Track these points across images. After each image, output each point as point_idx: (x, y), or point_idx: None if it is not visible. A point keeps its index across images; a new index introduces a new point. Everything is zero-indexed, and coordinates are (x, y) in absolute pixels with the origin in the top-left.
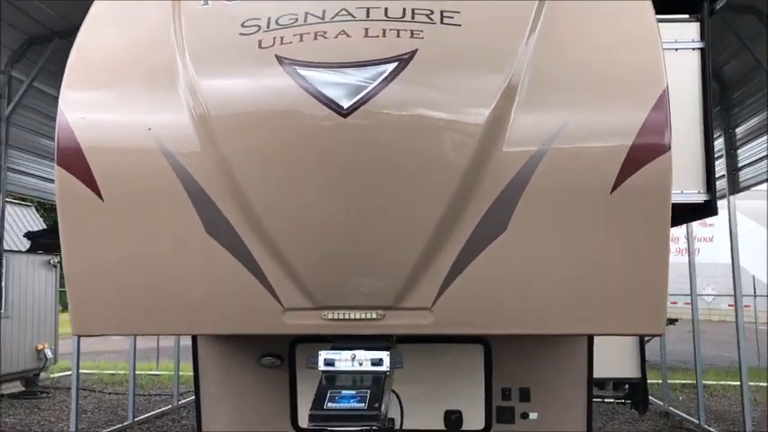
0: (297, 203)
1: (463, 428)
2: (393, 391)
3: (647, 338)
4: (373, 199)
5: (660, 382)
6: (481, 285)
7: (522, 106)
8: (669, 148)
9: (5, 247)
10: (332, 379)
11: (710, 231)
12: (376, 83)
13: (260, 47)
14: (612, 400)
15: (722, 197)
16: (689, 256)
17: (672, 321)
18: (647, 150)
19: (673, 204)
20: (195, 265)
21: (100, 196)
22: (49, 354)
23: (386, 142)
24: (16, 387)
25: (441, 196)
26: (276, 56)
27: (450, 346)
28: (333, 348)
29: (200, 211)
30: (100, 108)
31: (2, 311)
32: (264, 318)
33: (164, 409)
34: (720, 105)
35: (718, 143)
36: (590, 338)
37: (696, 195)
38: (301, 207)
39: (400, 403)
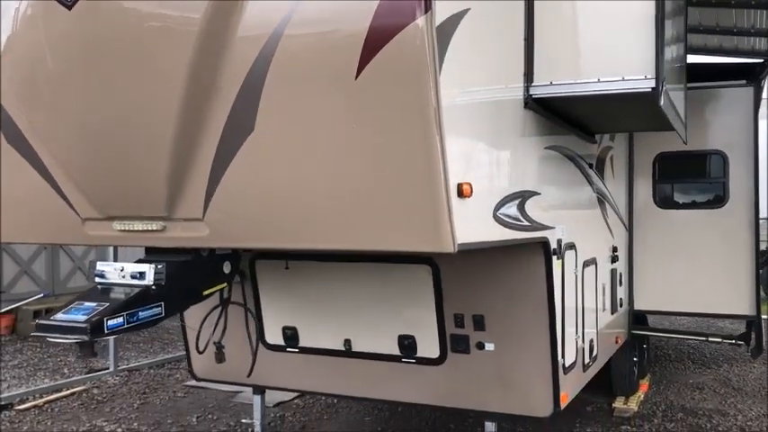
0: (51, 107)
1: (418, 356)
2: (249, 311)
3: None
4: (111, 100)
5: None
6: (244, 193)
7: None
8: (423, 13)
9: None
10: (107, 291)
11: None
12: None
13: None
14: (719, 340)
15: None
16: None
17: None
18: (391, 18)
19: (612, 96)
20: (6, 176)
21: None
22: None
23: (112, 35)
24: None
25: (172, 92)
26: None
27: (396, 267)
28: (141, 261)
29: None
30: None
31: None
32: (68, 228)
33: None
34: None
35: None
36: (547, 262)
37: (641, 82)
38: (55, 110)
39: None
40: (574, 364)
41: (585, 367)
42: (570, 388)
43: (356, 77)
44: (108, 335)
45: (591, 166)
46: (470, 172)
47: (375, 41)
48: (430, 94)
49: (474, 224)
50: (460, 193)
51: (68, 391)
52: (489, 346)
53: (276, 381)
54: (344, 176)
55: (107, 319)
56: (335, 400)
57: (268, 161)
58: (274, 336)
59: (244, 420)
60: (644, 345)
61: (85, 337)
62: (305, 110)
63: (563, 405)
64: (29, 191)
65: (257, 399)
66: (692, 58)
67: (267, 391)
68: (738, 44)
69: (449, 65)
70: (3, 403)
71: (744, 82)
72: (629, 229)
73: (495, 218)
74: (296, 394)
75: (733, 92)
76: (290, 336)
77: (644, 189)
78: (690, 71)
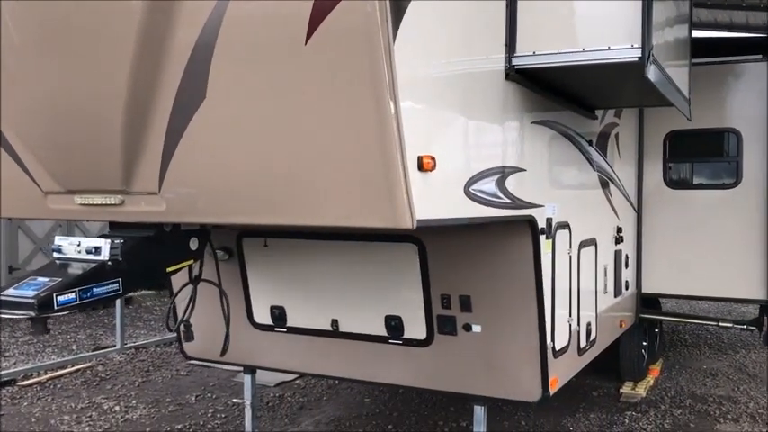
0: (10, 83)
1: (405, 337)
2: (223, 292)
3: None
4: (66, 74)
5: None
6: (198, 165)
7: None
8: None
9: None
10: (64, 266)
11: None
12: None
13: None
14: (730, 325)
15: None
16: None
17: None
18: None
19: (597, 66)
20: None
21: None
22: None
23: (64, 8)
24: None
25: (122, 62)
26: None
27: (382, 246)
28: (103, 236)
29: None
30: None
31: None
32: (31, 202)
33: None
34: None
35: None
36: (535, 241)
37: (627, 51)
38: (14, 85)
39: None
40: (566, 347)
41: (581, 351)
42: (562, 372)
43: (305, 43)
44: (58, 311)
45: (590, 143)
46: (434, 145)
47: (323, 5)
48: (382, 61)
49: (439, 200)
50: (421, 167)
51: (73, 368)
52: (476, 328)
53: (265, 361)
54: (298, 148)
55: (57, 295)
56: (336, 381)
57: (220, 132)
58: (262, 315)
59: (235, 400)
60: (655, 329)
61: (32, 313)
62: (255, 77)
63: (552, 390)
64: None
65: (248, 378)
66: (713, 35)
67: (270, 371)
68: None
69: (408, 31)
70: (6, 379)
71: (759, 57)
72: (638, 210)
73: (468, 194)
74: (297, 375)
75: (748, 67)
76: (278, 315)
77: (654, 168)
78: (704, 46)
